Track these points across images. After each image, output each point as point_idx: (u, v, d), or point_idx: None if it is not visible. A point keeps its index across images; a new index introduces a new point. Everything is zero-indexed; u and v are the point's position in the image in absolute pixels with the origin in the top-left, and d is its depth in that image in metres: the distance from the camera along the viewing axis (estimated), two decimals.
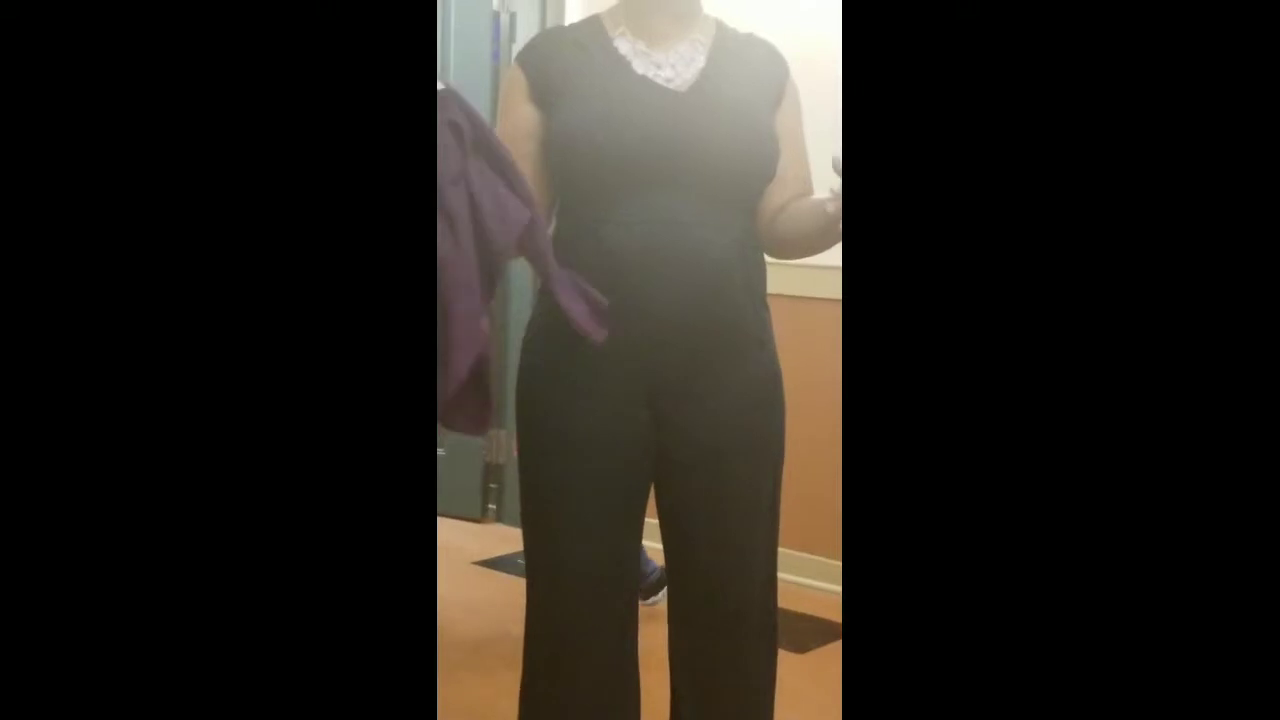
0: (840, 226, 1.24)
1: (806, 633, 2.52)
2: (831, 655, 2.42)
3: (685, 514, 1.40)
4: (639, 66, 1.36)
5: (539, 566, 1.40)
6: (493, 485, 3.25)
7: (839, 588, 2.66)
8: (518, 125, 1.40)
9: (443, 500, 2.84)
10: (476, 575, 2.77)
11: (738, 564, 1.39)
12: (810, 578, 2.83)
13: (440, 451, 3.08)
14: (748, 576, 1.40)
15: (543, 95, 1.38)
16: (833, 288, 2.73)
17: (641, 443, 1.37)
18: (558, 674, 1.38)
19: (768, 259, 1.45)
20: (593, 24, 1.42)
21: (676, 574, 1.44)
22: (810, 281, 2.75)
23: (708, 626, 1.42)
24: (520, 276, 3.34)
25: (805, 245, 1.38)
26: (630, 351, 1.32)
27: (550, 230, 1.40)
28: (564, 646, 1.38)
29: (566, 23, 2.57)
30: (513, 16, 3.62)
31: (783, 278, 1.58)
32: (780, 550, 1.48)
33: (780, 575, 1.48)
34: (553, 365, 1.37)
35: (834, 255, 2.76)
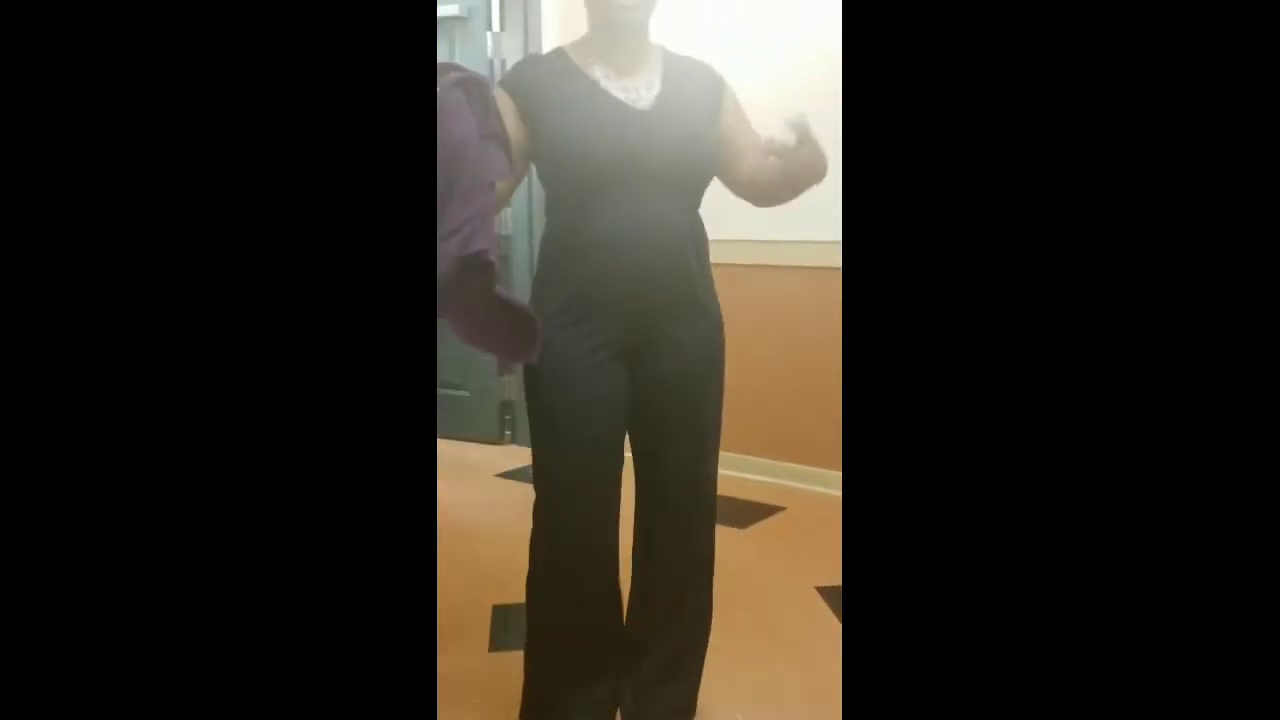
0: (801, 160, 1.60)
1: (745, 512, 3.51)
2: (766, 529, 3.32)
3: (659, 417, 1.90)
4: (613, 91, 1.77)
5: (543, 470, 1.88)
6: (507, 416, 4.50)
7: (767, 478, 3.77)
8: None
9: (471, 427, 4.32)
10: (500, 484, 3.91)
11: (696, 452, 1.91)
12: (748, 472, 3.82)
13: (464, 393, 4.34)
14: (701, 462, 1.93)
15: (527, 114, 1.76)
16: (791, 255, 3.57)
17: (621, 374, 1.84)
18: (558, 535, 1.89)
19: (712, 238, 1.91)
20: (562, 56, 1.81)
21: (649, 463, 1.94)
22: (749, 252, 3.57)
23: (672, 502, 1.94)
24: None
25: (787, 183, 1.74)
26: (613, 304, 1.78)
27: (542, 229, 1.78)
28: (562, 518, 1.89)
29: None
30: (504, 63, 4.01)
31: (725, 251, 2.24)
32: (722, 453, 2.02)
33: (722, 471, 2.01)
34: (552, 316, 1.80)
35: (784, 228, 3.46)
